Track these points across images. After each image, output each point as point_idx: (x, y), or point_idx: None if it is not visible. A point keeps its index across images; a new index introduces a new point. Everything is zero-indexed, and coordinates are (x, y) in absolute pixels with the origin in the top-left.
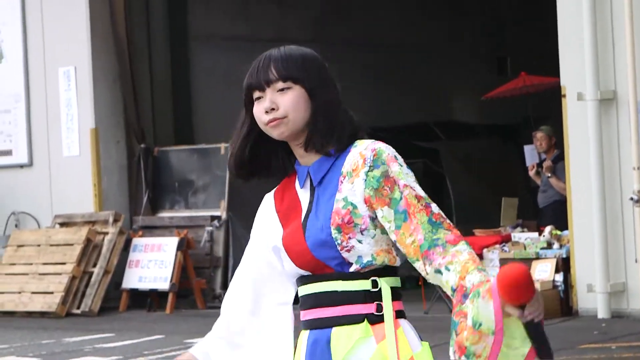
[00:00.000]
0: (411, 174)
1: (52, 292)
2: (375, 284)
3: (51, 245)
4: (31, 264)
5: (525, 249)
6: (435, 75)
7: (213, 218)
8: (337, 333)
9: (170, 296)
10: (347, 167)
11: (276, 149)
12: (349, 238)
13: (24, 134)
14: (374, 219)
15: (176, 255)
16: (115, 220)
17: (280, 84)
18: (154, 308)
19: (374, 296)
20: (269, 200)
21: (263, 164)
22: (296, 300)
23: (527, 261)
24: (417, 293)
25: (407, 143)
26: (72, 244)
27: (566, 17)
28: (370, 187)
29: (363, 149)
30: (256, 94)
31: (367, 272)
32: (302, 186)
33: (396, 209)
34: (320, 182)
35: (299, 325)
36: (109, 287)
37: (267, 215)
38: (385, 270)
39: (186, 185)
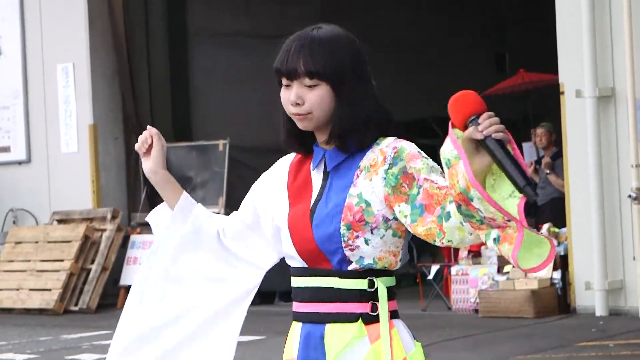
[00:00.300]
0: (437, 167)
1: (50, 289)
2: (371, 283)
3: (49, 242)
4: (29, 260)
5: None
6: (434, 72)
7: None
8: (331, 329)
9: None
10: (365, 161)
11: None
12: (357, 237)
13: (22, 130)
14: (387, 220)
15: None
16: (113, 217)
17: (308, 81)
18: None
19: (370, 295)
20: (282, 171)
21: (297, 138)
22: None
23: None
24: (415, 290)
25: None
26: (70, 241)
27: (565, 14)
28: (389, 185)
29: (384, 146)
30: (284, 81)
31: (364, 271)
32: (314, 168)
33: (413, 204)
34: (335, 168)
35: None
36: (107, 284)
37: (276, 186)
38: (383, 271)
39: (184, 182)
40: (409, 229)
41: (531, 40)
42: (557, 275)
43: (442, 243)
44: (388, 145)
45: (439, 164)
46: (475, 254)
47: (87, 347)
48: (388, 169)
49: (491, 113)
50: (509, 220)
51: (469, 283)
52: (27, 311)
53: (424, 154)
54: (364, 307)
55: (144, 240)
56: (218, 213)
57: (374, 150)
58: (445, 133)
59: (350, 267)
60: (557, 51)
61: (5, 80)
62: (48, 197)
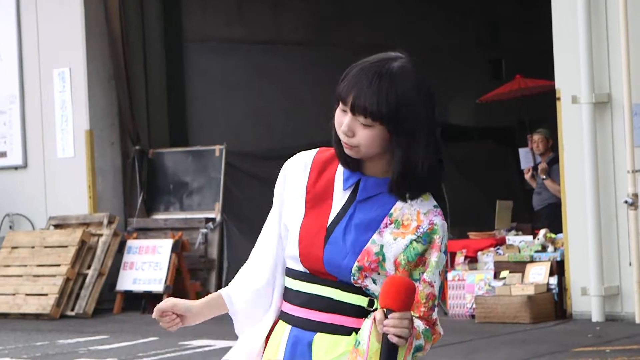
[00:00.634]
0: (442, 264)
1: (46, 294)
2: (371, 303)
3: (45, 247)
4: (25, 265)
5: (519, 252)
6: (430, 78)
7: (208, 220)
8: (320, 339)
9: (164, 298)
10: (398, 213)
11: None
12: (365, 277)
13: (19, 135)
14: None
15: (170, 257)
16: (110, 222)
17: (363, 119)
18: (149, 310)
19: (366, 313)
20: (305, 168)
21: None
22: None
23: (522, 264)
24: None
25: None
26: (66, 246)
27: (561, 20)
28: (406, 256)
29: (423, 212)
30: (341, 105)
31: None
32: (345, 188)
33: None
34: (364, 200)
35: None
36: (103, 289)
37: (295, 182)
38: None
39: (181, 187)
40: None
41: (527, 46)
42: (554, 280)
43: None
44: (427, 213)
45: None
46: (472, 259)
47: (84, 352)
48: (415, 240)
49: (404, 314)
50: None
51: (466, 288)
52: (24, 316)
53: (444, 247)
54: (359, 323)
55: (140, 245)
56: (214, 218)
57: (411, 206)
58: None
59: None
60: (554, 57)
61: (1, 85)
62: (44, 202)
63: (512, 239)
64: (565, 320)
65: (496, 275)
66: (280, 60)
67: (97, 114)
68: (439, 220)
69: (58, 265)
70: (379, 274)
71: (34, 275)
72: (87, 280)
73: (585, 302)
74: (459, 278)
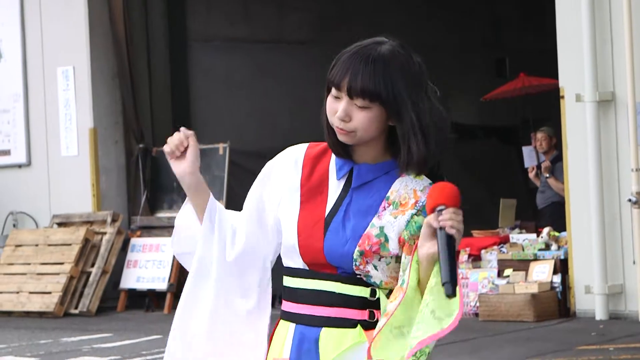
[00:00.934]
0: None
1: (50, 292)
2: (373, 292)
3: (49, 245)
4: (29, 263)
5: (523, 250)
6: (434, 76)
7: None
8: (327, 334)
9: (168, 296)
10: (395, 195)
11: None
12: (367, 262)
13: (23, 133)
14: (398, 257)
15: (174, 255)
16: (114, 221)
17: (361, 102)
18: (152, 308)
19: (369, 304)
20: (295, 162)
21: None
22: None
23: (525, 262)
24: None
25: None
26: (70, 244)
27: (565, 18)
28: (409, 230)
29: (419, 189)
30: (334, 91)
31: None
32: (339, 178)
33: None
34: (359, 187)
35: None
36: (107, 287)
37: (288, 177)
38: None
39: None
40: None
41: (531, 45)
42: (557, 279)
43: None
44: (423, 189)
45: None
46: (475, 257)
47: (87, 350)
48: (415, 214)
49: (457, 210)
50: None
51: (469, 287)
52: (27, 314)
53: None
54: (363, 314)
55: (144, 244)
56: None
57: (407, 185)
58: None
59: (356, 275)
60: (558, 55)
61: (5, 83)
62: (48, 200)
63: (516, 237)
64: (569, 318)
65: (500, 274)
66: (284, 59)
67: (101, 113)
68: None
69: (62, 264)
70: (380, 259)
71: (38, 274)
72: (91, 279)
73: (589, 301)
74: (462, 276)
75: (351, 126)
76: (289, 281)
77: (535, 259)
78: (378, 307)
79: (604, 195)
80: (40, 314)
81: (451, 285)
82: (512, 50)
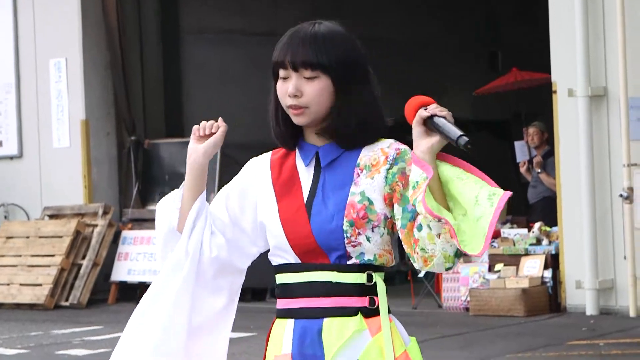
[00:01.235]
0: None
1: (40, 284)
2: (370, 277)
3: (40, 237)
4: (20, 255)
5: (514, 245)
6: (426, 70)
7: None
8: (329, 324)
9: None
10: (364, 160)
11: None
12: (359, 234)
13: (14, 125)
14: (387, 218)
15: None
16: (105, 213)
17: (309, 72)
18: None
19: (368, 290)
20: (264, 169)
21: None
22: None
23: (516, 257)
24: (406, 288)
25: (398, 138)
26: (61, 236)
27: (558, 13)
28: (388, 184)
29: (386, 147)
30: (282, 72)
31: (362, 265)
32: (307, 164)
33: (405, 207)
34: (329, 164)
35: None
36: (98, 279)
37: (259, 182)
38: (379, 267)
39: (176, 178)
40: (398, 233)
41: (524, 39)
42: (548, 274)
43: (417, 253)
44: (390, 145)
45: None
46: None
47: (78, 342)
48: (389, 168)
49: (438, 105)
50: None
51: (460, 281)
52: (18, 306)
53: None
54: (363, 301)
55: (135, 236)
56: None
57: (374, 149)
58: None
59: (349, 262)
60: (550, 50)
61: None
62: (39, 192)
63: (507, 232)
64: (560, 313)
65: (491, 268)
66: None
67: (93, 104)
68: (402, 146)
69: (53, 256)
70: (372, 230)
71: (29, 266)
72: (82, 271)
73: (580, 296)
74: (453, 271)
75: (303, 101)
76: (282, 278)
77: (526, 253)
78: (376, 293)
79: (596, 190)
80: (31, 306)
81: (465, 136)
82: (505, 44)
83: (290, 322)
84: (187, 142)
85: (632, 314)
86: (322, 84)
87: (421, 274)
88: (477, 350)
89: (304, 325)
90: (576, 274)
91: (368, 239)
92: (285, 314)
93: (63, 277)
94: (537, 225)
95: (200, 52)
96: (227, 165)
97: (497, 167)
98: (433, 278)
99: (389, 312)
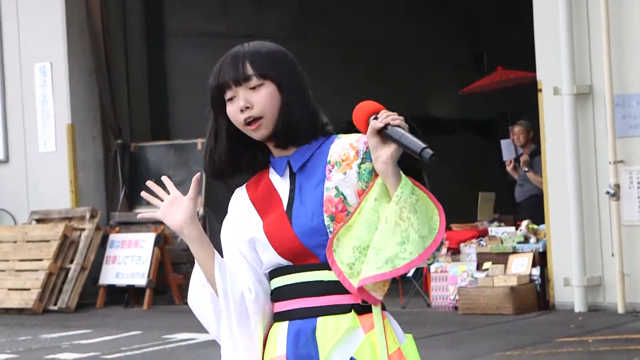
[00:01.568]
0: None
1: (28, 289)
2: None
3: (28, 241)
4: (7, 260)
5: (502, 243)
6: (412, 70)
7: None
8: (324, 323)
9: (147, 292)
10: (334, 156)
11: (250, 146)
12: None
13: (0, 130)
14: None
15: (153, 251)
16: (92, 216)
17: (254, 81)
18: (132, 304)
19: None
20: (241, 195)
21: (237, 162)
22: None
23: (504, 255)
24: (394, 287)
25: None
26: (48, 240)
27: (542, 11)
28: (362, 180)
29: (354, 141)
30: (228, 94)
31: None
32: (282, 175)
33: None
34: (301, 169)
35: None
36: (86, 283)
37: (240, 209)
38: None
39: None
40: None
41: (509, 38)
42: (536, 271)
43: None
44: (358, 140)
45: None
46: (455, 251)
47: (67, 346)
48: (361, 163)
49: (388, 111)
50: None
51: (448, 280)
52: (6, 311)
53: None
54: (356, 299)
55: (122, 240)
56: (196, 212)
57: (342, 145)
58: (422, 130)
59: None
60: (535, 49)
61: None
62: (26, 196)
63: (495, 230)
64: (548, 311)
65: (479, 267)
66: None
67: (79, 108)
68: None
69: (40, 260)
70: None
71: (17, 270)
72: (70, 275)
73: (568, 293)
74: (441, 270)
75: (256, 111)
76: (275, 282)
77: (514, 252)
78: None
79: (582, 187)
80: (19, 311)
81: (429, 148)
82: (490, 45)
83: (284, 324)
84: (174, 145)
85: (620, 310)
86: (268, 89)
87: (410, 274)
88: (466, 349)
89: (298, 326)
90: (564, 271)
91: None
92: (280, 317)
93: (51, 282)
94: (524, 223)
95: (184, 55)
96: None
97: (484, 166)
98: (422, 277)
99: (384, 309)
